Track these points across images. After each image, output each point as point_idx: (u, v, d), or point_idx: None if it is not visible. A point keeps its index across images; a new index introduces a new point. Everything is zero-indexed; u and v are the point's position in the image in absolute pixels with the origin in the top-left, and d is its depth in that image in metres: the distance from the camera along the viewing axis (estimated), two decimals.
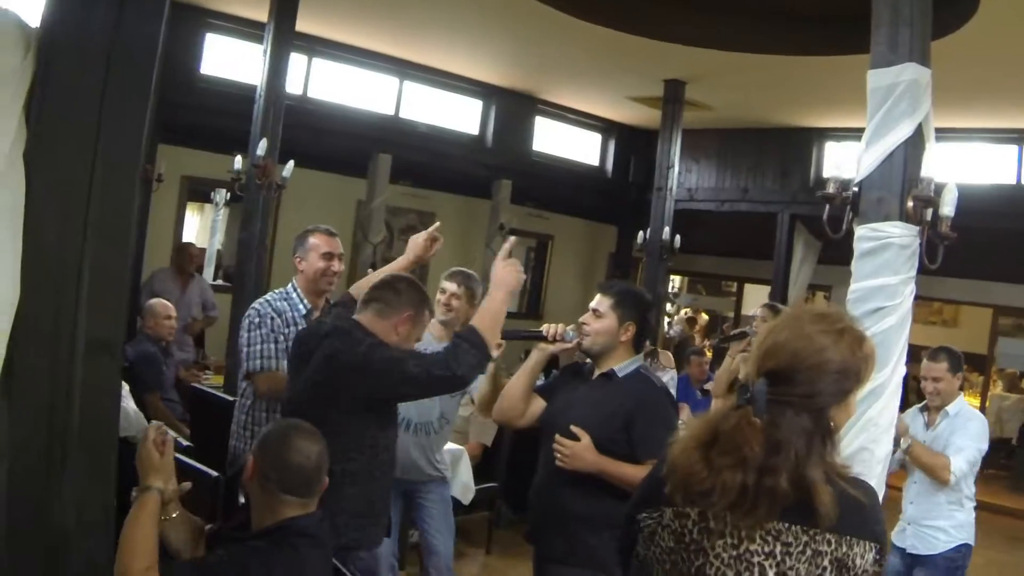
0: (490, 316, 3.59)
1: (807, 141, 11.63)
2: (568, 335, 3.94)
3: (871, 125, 3.56)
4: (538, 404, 4.02)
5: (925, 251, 3.53)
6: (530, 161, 11.81)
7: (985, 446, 5.20)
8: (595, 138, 12.76)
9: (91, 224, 1.51)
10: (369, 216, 10.32)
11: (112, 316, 1.59)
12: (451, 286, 5.18)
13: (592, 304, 3.97)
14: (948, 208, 3.49)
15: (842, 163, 3.76)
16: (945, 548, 5.09)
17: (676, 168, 10.17)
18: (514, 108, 11.45)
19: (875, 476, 3.53)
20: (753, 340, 5.78)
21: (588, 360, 4.01)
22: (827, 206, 3.78)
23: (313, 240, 4.62)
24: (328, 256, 4.61)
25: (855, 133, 10.75)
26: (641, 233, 10.05)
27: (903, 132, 3.46)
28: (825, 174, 10.87)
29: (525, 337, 4.46)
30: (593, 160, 12.79)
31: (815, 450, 1.94)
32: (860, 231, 3.58)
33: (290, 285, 4.65)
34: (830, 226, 3.83)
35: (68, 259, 1.50)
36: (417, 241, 4.27)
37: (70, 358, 1.52)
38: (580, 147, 12.61)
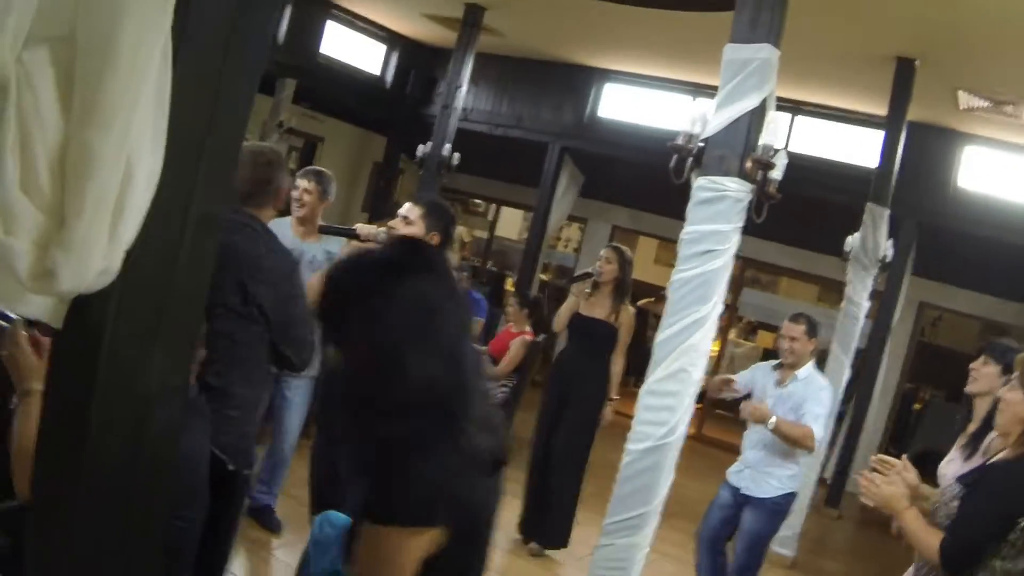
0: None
1: (587, 79, 12.05)
2: (379, 236, 4.28)
3: (723, 91, 3.99)
4: None
5: (753, 207, 4.03)
6: (315, 63, 11.76)
7: (831, 412, 5.78)
8: (380, 48, 12.81)
9: (217, 106, 1.63)
10: None
11: (222, 194, 1.75)
12: (303, 183, 5.39)
13: (402, 211, 4.28)
14: (778, 172, 3.99)
15: (696, 119, 4.15)
16: (775, 493, 5.61)
17: (464, 89, 10.37)
18: (308, 8, 11.36)
19: (689, 395, 4.04)
20: (597, 279, 6.50)
21: None
22: (675, 155, 4.18)
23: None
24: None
25: (633, 77, 11.42)
26: (420, 147, 10.18)
27: (751, 102, 3.92)
28: (600, 113, 11.58)
29: (339, 233, 4.74)
30: (375, 69, 12.85)
31: None
32: (700, 181, 4.02)
33: None
34: (673, 173, 4.24)
35: (194, 137, 1.61)
36: None
37: (181, 232, 1.68)
38: (364, 55, 12.63)
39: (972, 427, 4.46)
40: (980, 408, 4.48)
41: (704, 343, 3.96)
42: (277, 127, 11.45)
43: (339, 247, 5.35)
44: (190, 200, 1.67)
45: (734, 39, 4.03)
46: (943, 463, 4.16)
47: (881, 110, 8.59)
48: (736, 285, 13.21)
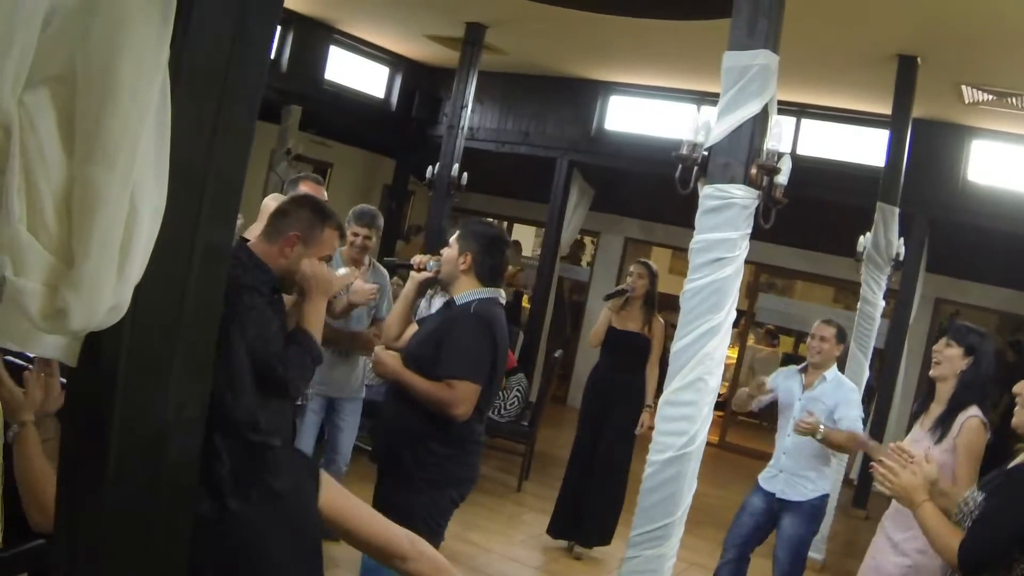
0: (315, 317, 3.71)
1: (592, 93, 12.07)
2: (430, 265, 4.36)
3: (724, 99, 4.00)
4: (412, 328, 4.36)
5: (761, 212, 4.04)
6: (320, 89, 11.84)
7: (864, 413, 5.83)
8: (383, 71, 12.88)
9: (217, 137, 1.66)
10: None
11: (227, 224, 1.78)
12: (363, 230, 5.62)
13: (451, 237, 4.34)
14: (783, 177, 4.00)
15: (699, 127, 4.16)
16: (812, 495, 5.65)
17: (469, 108, 10.41)
18: (310, 36, 11.44)
19: (707, 403, 4.05)
20: (630, 295, 6.81)
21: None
22: (680, 165, 4.20)
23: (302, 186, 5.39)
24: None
25: (639, 89, 11.47)
26: (430, 168, 10.23)
27: (752, 109, 3.93)
28: (606, 126, 11.61)
29: (399, 267, 4.88)
30: (379, 92, 12.91)
31: None
32: (707, 190, 4.03)
33: None
34: (680, 183, 4.26)
35: (196, 169, 1.63)
36: None
37: (188, 263, 1.70)
38: (368, 79, 12.69)
39: (937, 409, 4.50)
40: (942, 391, 4.54)
41: (719, 351, 3.96)
42: (285, 155, 11.50)
43: (385, 278, 5.96)
44: (196, 231, 1.71)
45: (732, 46, 4.04)
46: (906, 441, 4.19)
47: (886, 109, 8.58)
48: (752, 291, 13.19)
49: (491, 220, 16.84)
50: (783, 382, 5.97)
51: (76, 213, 1.49)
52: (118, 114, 1.48)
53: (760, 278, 13.55)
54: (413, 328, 4.48)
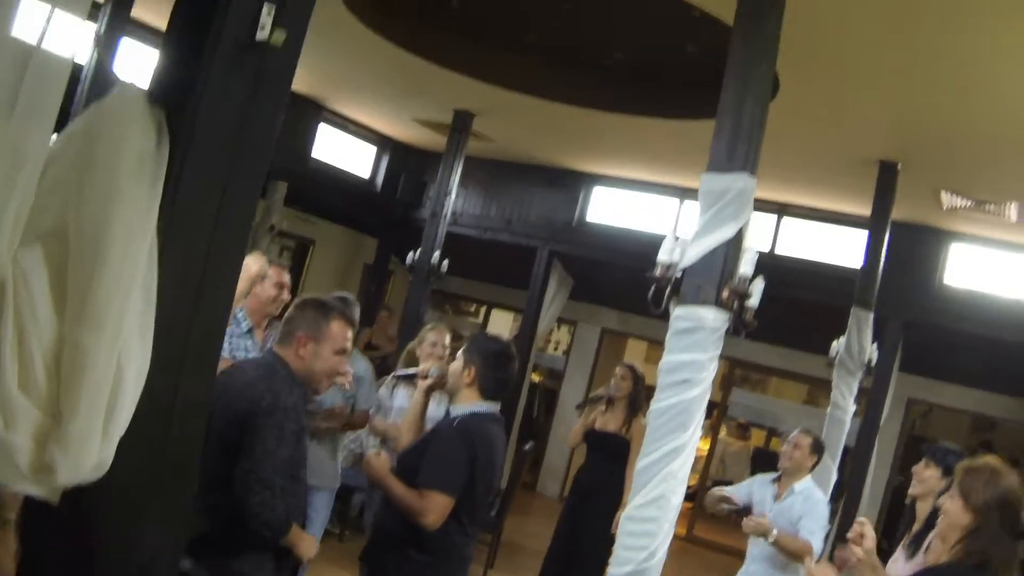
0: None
1: (576, 183, 12.23)
2: (432, 371, 4.50)
3: (701, 221, 4.10)
4: None
5: (731, 330, 4.12)
6: (307, 166, 11.93)
7: (829, 525, 5.89)
8: (370, 150, 13.02)
9: (201, 296, 1.72)
10: None
11: (208, 378, 1.84)
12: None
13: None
14: (755, 299, 4.08)
15: (674, 248, 4.22)
16: None
17: (453, 195, 10.53)
18: (300, 112, 11.56)
19: (668, 520, 4.09)
20: (613, 396, 6.93)
21: None
22: (654, 286, 4.27)
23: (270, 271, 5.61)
24: (279, 286, 5.64)
25: (621, 181, 11.58)
26: (411, 253, 10.31)
27: (727, 233, 4.02)
28: (588, 217, 11.73)
29: (412, 375, 5.06)
30: (365, 172, 13.04)
31: None
32: (679, 311, 4.11)
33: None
34: (652, 303, 4.33)
35: (180, 326, 1.69)
36: None
37: (168, 417, 1.76)
38: (355, 157, 12.83)
39: (916, 527, 4.56)
40: (922, 510, 4.59)
41: (683, 470, 4.02)
42: (269, 230, 11.55)
43: (364, 368, 6.16)
44: (177, 387, 1.77)
45: (711, 168, 4.14)
46: (889, 563, 4.25)
47: (865, 210, 8.74)
48: (726, 384, 13.25)
49: (475, 317, 17.11)
50: (758, 489, 6.03)
51: (65, 373, 1.55)
52: (108, 278, 1.55)
53: (735, 372, 13.62)
54: None
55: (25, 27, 1.60)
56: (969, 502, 3.37)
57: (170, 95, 1.69)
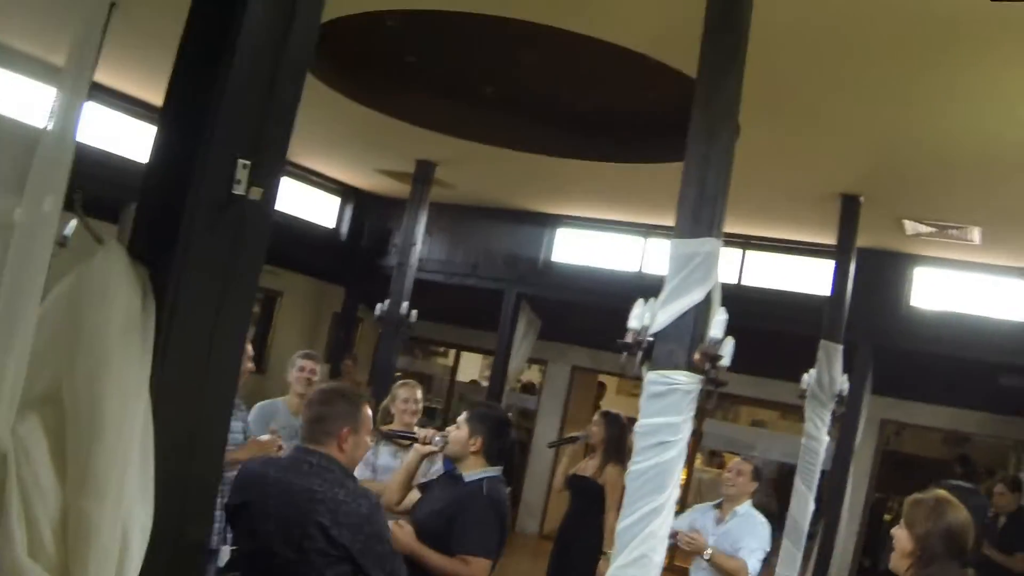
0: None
1: (540, 225, 12.31)
2: (436, 440, 4.73)
3: (669, 286, 4.13)
4: (414, 495, 4.74)
5: (704, 396, 4.17)
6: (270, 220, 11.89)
7: (769, 547, 5.95)
8: (334, 201, 13.07)
9: (196, 441, 1.75)
10: None
11: (207, 519, 1.87)
12: (309, 363, 6.47)
13: (459, 417, 4.65)
14: (726, 360, 4.13)
15: (644, 313, 4.26)
16: None
17: (419, 245, 10.57)
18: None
19: None
20: (588, 441, 7.01)
21: None
22: (624, 352, 4.30)
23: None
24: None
25: (585, 221, 11.65)
26: (380, 305, 10.32)
27: (696, 297, 4.06)
28: (553, 257, 11.78)
29: (406, 437, 5.17)
30: (330, 222, 13.07)
31: None
32: (651, 376, 4.14)
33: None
34: (624, 368, 4.35)
35: (178, 476, 1.71)
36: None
37: (170, 562, 1.79)
38: (319, 208, 12.87)
39: None
40: None
41: (663, 529, 4.04)
42: None
43: None
44: (179, 532, 1.79)
45: (678, 234, 4.18)
46: None
47: (830, 240, 8.87)
48: (700, 416, 13.25)
49: (445, 359, 17.02)
50: (699, 516, 6.22)
51: (72, 541, 1.58)
52: (107, 447, 1.59)
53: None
54: (414, 494, 4.76)
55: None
56: (913, 531, 3.67)
57: (152, 255, 1.72)
